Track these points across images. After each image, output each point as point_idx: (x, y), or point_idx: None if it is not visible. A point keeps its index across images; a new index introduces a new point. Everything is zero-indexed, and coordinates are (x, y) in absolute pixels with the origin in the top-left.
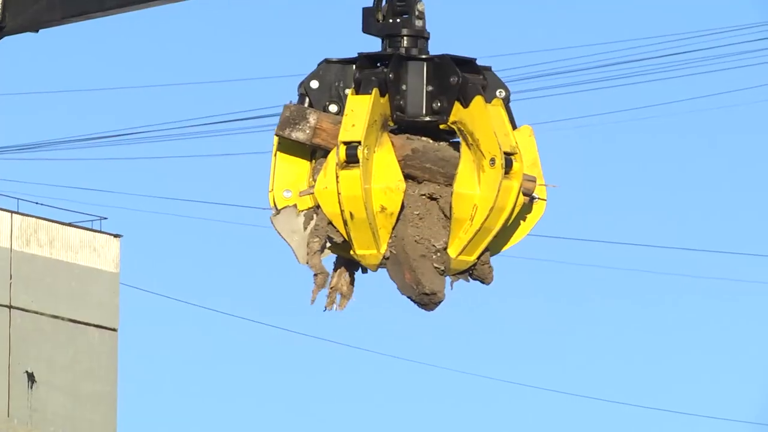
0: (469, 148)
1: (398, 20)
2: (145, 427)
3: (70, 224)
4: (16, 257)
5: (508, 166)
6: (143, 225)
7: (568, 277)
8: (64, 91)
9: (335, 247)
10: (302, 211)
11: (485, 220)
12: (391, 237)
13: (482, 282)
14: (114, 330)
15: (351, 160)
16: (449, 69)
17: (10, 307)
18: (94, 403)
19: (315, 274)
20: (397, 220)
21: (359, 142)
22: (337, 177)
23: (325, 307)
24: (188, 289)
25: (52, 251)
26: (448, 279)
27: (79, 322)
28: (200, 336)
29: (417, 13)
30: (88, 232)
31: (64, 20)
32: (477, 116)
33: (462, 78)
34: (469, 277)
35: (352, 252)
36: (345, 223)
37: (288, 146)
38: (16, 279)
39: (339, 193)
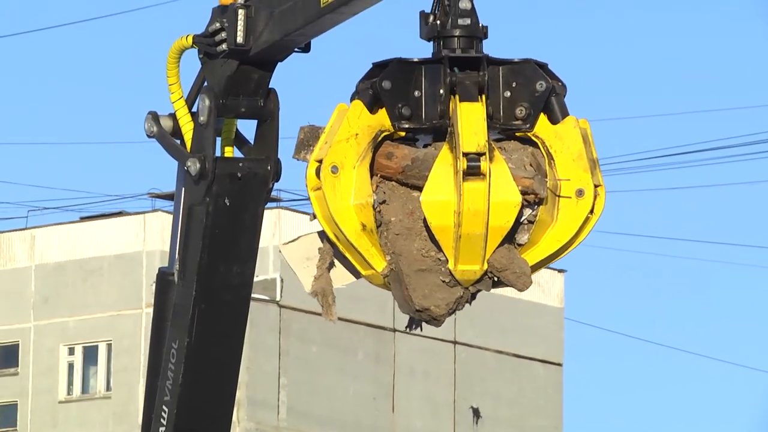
0: (451, 152)
1: (439, 21)
2: None
3: None
4: None
5: (474, 166)
6: (587, 259)
7: None
8: None
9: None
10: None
11: (459, 225)
12: (389, 253)
13: (515, 288)
14: (559, 365)
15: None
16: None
17: (455, 342)
18: None
19: (321, 297)
20: (402, 235)
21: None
22: (309, 199)
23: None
24: (632, 323)
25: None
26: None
27: (524, 357)
28: (644, 369)
29: (460, 11)
30: None
31: (285, 37)
32: (454, 116)
33: (452, 78)
34: (490, 287)
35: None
36: (335, 246)
37: None
38: (460, 315)
39: (314, 216)
